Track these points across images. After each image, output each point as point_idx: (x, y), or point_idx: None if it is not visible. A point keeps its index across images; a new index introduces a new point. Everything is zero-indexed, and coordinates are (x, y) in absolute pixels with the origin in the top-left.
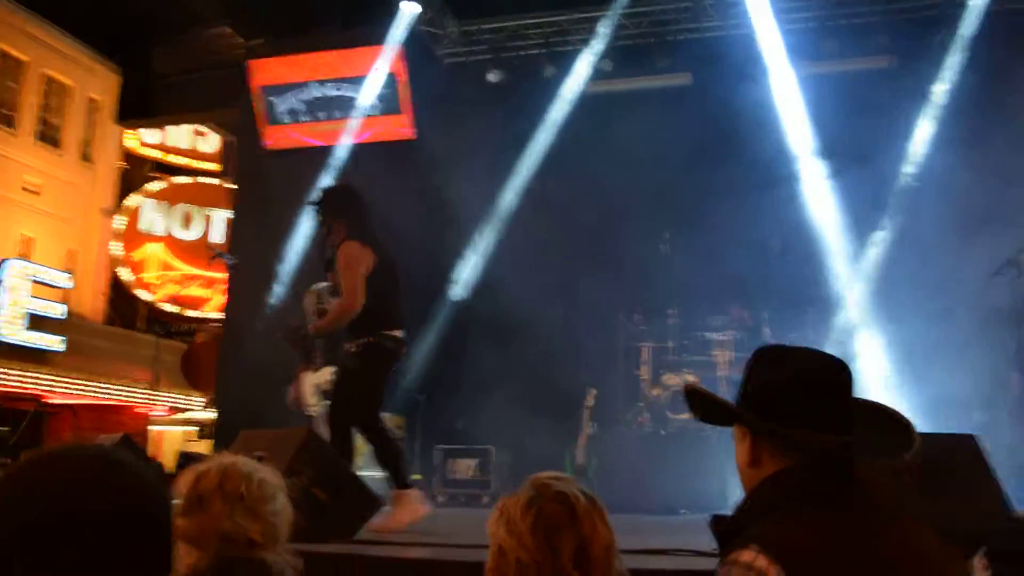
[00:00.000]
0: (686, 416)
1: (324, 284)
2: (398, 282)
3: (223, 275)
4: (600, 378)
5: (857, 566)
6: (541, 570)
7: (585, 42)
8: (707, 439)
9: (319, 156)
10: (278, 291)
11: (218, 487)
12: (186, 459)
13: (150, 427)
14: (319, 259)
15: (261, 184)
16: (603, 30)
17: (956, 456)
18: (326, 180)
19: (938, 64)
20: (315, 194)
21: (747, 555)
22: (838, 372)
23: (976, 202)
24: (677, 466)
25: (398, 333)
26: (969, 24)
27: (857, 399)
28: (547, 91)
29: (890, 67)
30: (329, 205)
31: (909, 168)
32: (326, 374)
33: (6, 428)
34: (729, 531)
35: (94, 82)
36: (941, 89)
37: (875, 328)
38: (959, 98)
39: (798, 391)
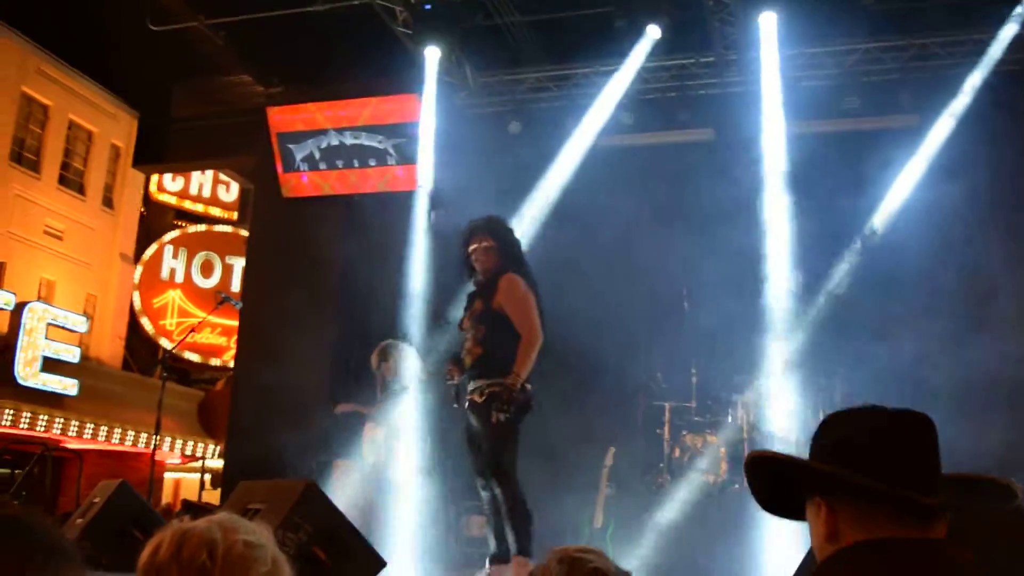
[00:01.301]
0: (709, 478)
1: (388, 341)
2: None
3: (235, 323)
4: (620, 438)
5: None
6: None
7: (606, 95)
8: (730, 498)
9: (332, 205)
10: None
11: (173, 559)
12: (188, 508)
13: (166, 474)
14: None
15: (274, 231)
16: (625, 83)
17: (999, 526)
18: (341, 228)
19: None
20: (483, 219)
21: None
22: (925, 426)
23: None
24: (697, 526)
25: (529, 385)
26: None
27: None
28: (567, 143)
29: (912, 125)
30: (501, 233)
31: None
32: (379, 432)
33: (6, 470)
34: None
35: (116, 128)
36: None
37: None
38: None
39: (877, 441)
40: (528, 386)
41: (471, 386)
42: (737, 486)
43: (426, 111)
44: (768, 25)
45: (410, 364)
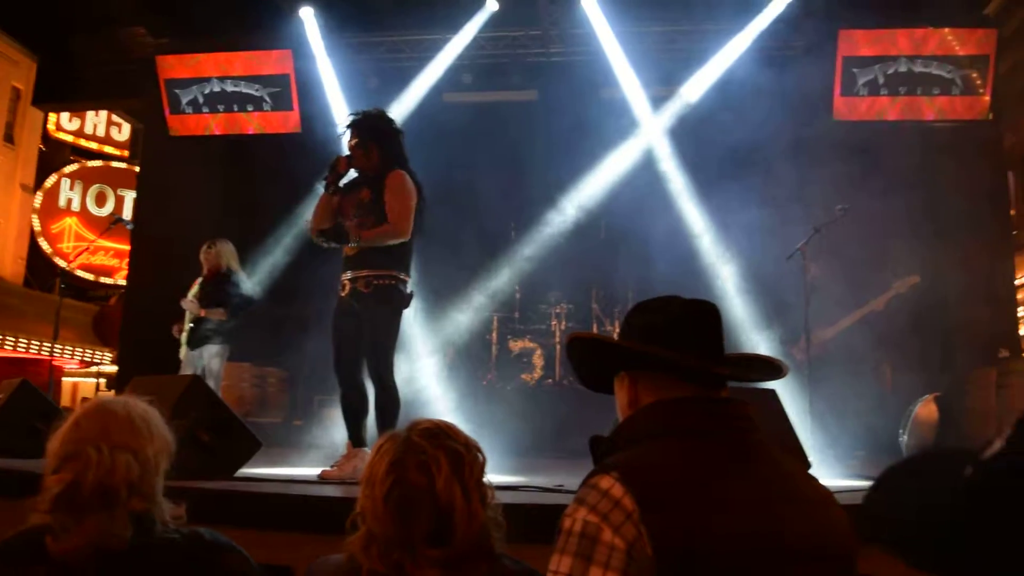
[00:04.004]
0: (526, 377)
1: (215, 238)
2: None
3: (126, 247)
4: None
5: (713, 501)
6: (391, 545)
7: (450, 58)
8: (543, 391)
9: (213, 143)
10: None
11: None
12: None
13: (65, 379)
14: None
15: (163, 167)
16: (465, 49)
17: (760, 407)
18: (221, 163)
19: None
20: (357, 113)
21: (606, 481)
22: (710, 311)
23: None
24: (518, 415)
25: (410, 282)
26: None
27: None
28: (416, 97)
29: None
30: (373, 128)
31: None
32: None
33: None
34: (603, 452)
35: (17, 72)
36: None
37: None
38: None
39: (673, 323)
40: (409, 283)
41: (349, 275)
42: (550, 381)
43: (301, 64)
44: (590, 5)
45: (232, 253)
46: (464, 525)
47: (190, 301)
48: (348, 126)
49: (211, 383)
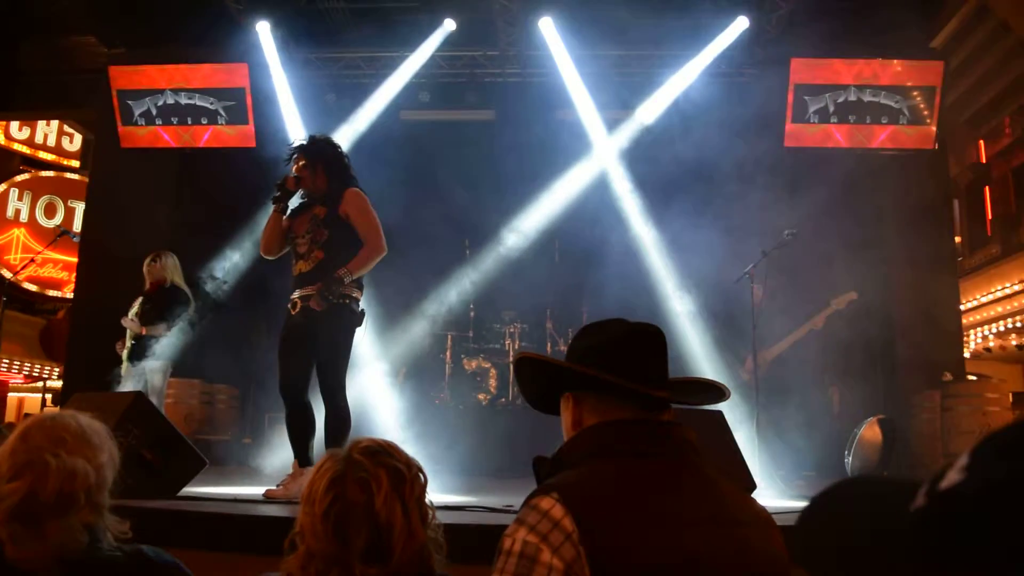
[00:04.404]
0: (480, 396)
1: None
2: None
3: (75, 259)
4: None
5: (651, 524)
6: (329, 563)
7: (407, 76)
8: (497, 410)
9: (165, 156)
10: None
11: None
12: None
13: (10, 394)
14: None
15: (113, 178)
16: (423, 67)
17: (706, 429)
18: (172, 176)
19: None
20: (304, 138)
21: (546, 502)
22: (654, 335)
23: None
24: (471, 434)
25: (362, 300)
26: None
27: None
28: (372, 114)
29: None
30: (320, 151)
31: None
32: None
33: None
34: (546, 472)
35: None
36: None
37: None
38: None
39: (618, 346)
40: (361, 301)
41: (299, 293)
42: (504, 400)
43: (257, 78)
44: (548, 27)
45: (176, 267)
46: (403, 543)
47: (130, 320)
48: (295, 150)
49: (154, 400)
